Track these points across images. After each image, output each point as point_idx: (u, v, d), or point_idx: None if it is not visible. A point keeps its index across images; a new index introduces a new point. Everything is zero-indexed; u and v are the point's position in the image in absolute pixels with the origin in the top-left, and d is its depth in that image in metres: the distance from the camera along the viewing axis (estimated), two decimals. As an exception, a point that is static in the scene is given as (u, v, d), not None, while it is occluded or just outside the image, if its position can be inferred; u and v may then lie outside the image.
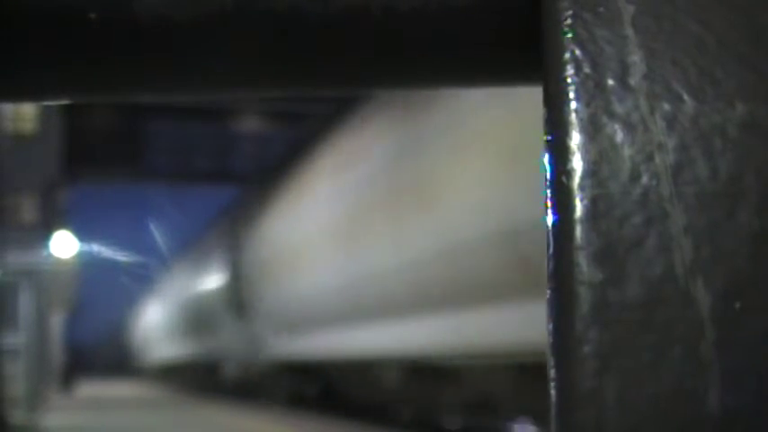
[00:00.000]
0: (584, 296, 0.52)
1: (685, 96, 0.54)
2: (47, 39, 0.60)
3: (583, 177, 0.53)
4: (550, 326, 0.53)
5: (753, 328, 0.51)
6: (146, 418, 18.03)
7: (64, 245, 20.25)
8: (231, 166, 37.80)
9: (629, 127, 0.54)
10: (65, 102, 0.69)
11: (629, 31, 0.55)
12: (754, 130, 0.53)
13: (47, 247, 19.26)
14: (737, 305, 0.51)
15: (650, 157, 0.53)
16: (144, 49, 0.61)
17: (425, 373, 10.74)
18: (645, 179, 0.53)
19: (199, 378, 28.62)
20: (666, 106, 0.54)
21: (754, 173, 0.53)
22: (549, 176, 0.55)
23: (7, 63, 0.61)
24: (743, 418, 0.50)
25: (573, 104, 0.54)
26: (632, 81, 0.54)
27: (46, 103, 0.72)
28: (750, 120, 0.53)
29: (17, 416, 14.59)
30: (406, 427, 12.04)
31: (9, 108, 15.72)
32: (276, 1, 0.60)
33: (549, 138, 0.55)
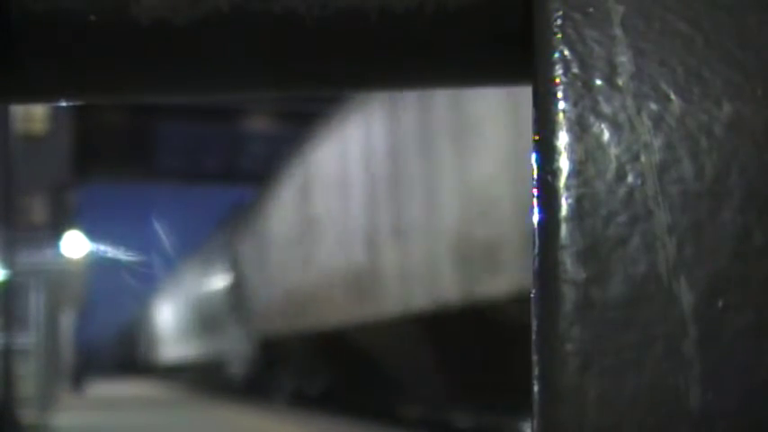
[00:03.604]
0: (568, 294, 0.52)
1: (672, 96, 0.54)
2: (47, 40, 0.61)
3: (569, 177, 0.54)
4: (534, 324, 0.54)
5: (735, 327, 0.51)
6: (158, 417, 18.03)
7: (74, 245, 20.27)
8: (241, 166, 37.81)
9: (615, 127, 0.54)
10: (66, 103, 0.69)
11: (618, 32, 0.55)
12: (741, 129, 0.53)
13: (57, 246, 19.29)
14: (720, 304, 0.52)
15: (636, 157, 0.54)
16: (143, 51, 0.62)
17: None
18: (630, 178, 0.53)
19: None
20: (653, 106, 0.54)
21: (739, 172, 0.53)
22: (535, 176, 0.55)
23: (8, 63, 0.61)
24: (724, 415, 0.51)
25: (561, 104, 0.55)
26: (620, 81, 0.55)
27: (45, 104, 0.73)
28: (736, 119, 0.54)
29: (28, 415, 14.61)
30: (414, 426, 12.01)
31: (19, 109, 15.74)
32: (272, 2, 0.60)
33: (537, 137, 0.56)
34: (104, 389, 32.16)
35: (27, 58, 0.61)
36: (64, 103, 0.70)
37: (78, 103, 0.69)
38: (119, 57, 0.62)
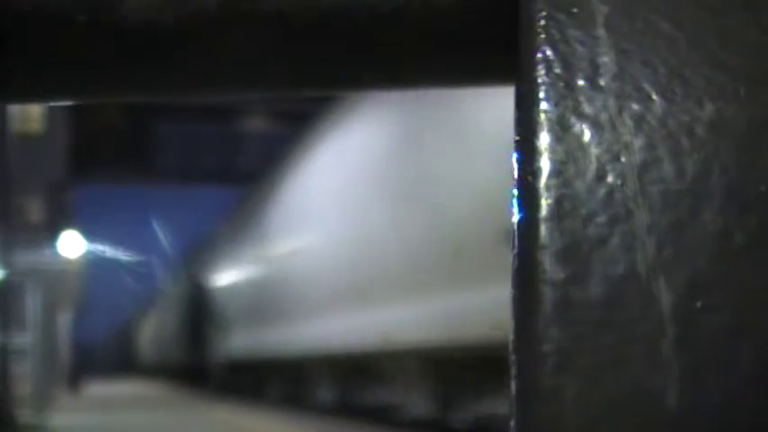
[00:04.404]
0: (546, 295, 0.52)
1: (654, 96, 0.54)
2: (38, 40, 0.61)
3: (549, 177, 0.54)
4: (512, 324, 0.54)
5: (713, 327, 0.51)
6: (154, 417, 18.04)
7: (71, 245, 20.29)
8: (238, 165, 37.83)
9: (596, 127, 0.54)
10: (58, 103, 0.70)
11: (602, 32, 0.55)
12: (722, 129, 0.54)
13: (54, 246, 19.30)
14: (699, 304, 0.52)
15: (617, 157, 0.54)
16: (131, 51, 0.62)
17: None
18: (610, 178, 0.53)
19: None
20: (635, 106, 0.54)
21: (720, 172, 0.53)
22: (516, 176, 0.55)
23: (1, 63, 0.61)
24: (701, 416, 0.51)
25: (542, 105, 0.55)
26: (602, 81, 0.55)
27: (38, 104, 0.73)
28: (718, 119, 0.54)
29: (25, 415, 14.62)
30: (412, 427, 12.00)
31: (16, 108, 15.76)
32: (260, 2, 0.61)
33: (518, 138, 0.56)
34: (101, 389, 32.16)
35: (19, 57, 0.62)
36: (57, 104, 0.70)
37: (71, 103, 0.70)
38: (108, 57, 0.62)
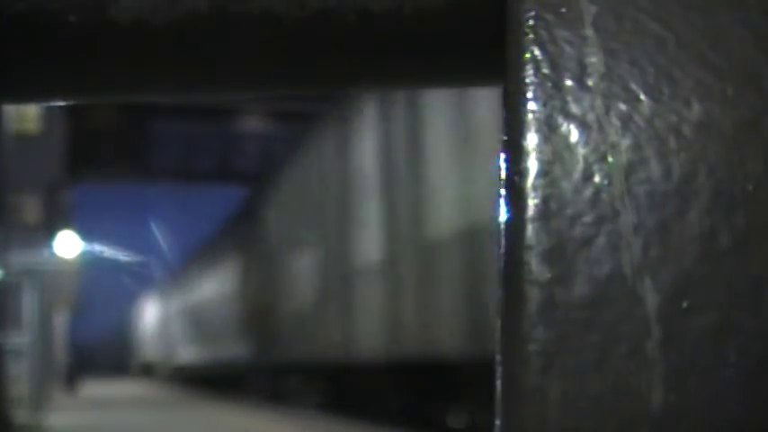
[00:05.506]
0: (532, 295, 0.52)
1: (642, 96, 0.54)
2: (31, 40, 0.61)
3: (536, 177, 0.54)
4: (499, 324, 0.54)
5: (699, 328, 0.51)
6: (150, 417, 18.03)
7: (67, 244, 20.28)
8: (234, 165, 37.81)
9: (584, 127, 0.54)
10: (52, 104, 0.70)
11: (590, 32, 0.55)
12: (709, 129, 0.53)
13: (50, 246, 19.29)
14: (684, 304, 0.52)
15: (603, 157, 0.54)
16: (123, 52, 0.62)
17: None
18: (597, 179, 0.53)
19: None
20: (622, 106, 0.54)
21: (707, 173, 0.53)
22: (503, 176, 0.55)
23: None
24: (685, 416, 0.51)
25: (530, 105, 0.55)
26: (590, 81, 0.55)
27: (31, 104, 0.73)
28: (705, 119, 0.54)
29: (21, 416, 14.60)
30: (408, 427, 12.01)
31: (13, 108, 15.75)
32: (251, 3, 0.61)
33: (505, 138, 0.56)
34: (98, 389, 32.14)
35: (15, 58, 0.62)
36: (53, 104, 0.70)
37: (67, 103, 0.70)
38: (100, 57, 0.62)
